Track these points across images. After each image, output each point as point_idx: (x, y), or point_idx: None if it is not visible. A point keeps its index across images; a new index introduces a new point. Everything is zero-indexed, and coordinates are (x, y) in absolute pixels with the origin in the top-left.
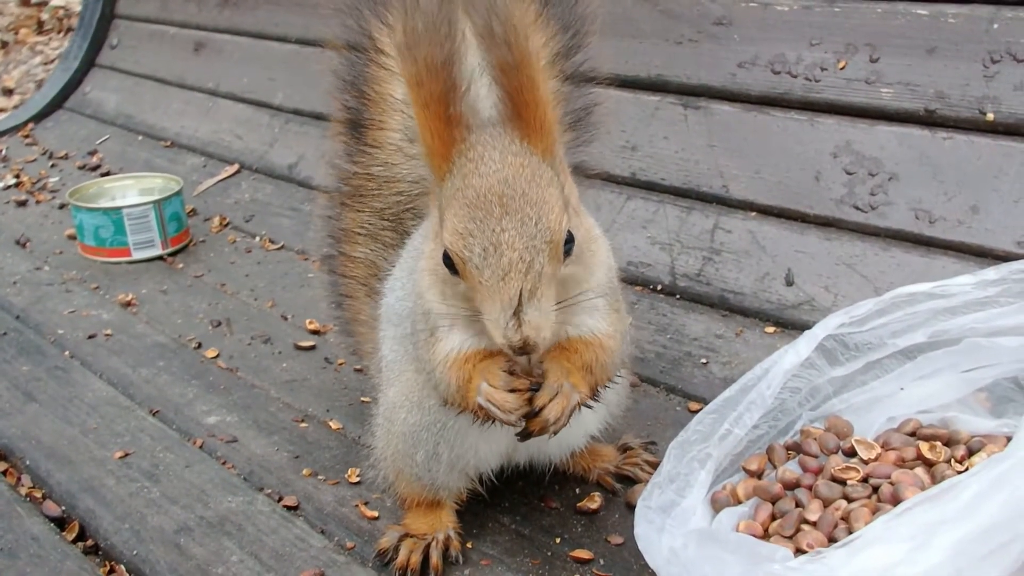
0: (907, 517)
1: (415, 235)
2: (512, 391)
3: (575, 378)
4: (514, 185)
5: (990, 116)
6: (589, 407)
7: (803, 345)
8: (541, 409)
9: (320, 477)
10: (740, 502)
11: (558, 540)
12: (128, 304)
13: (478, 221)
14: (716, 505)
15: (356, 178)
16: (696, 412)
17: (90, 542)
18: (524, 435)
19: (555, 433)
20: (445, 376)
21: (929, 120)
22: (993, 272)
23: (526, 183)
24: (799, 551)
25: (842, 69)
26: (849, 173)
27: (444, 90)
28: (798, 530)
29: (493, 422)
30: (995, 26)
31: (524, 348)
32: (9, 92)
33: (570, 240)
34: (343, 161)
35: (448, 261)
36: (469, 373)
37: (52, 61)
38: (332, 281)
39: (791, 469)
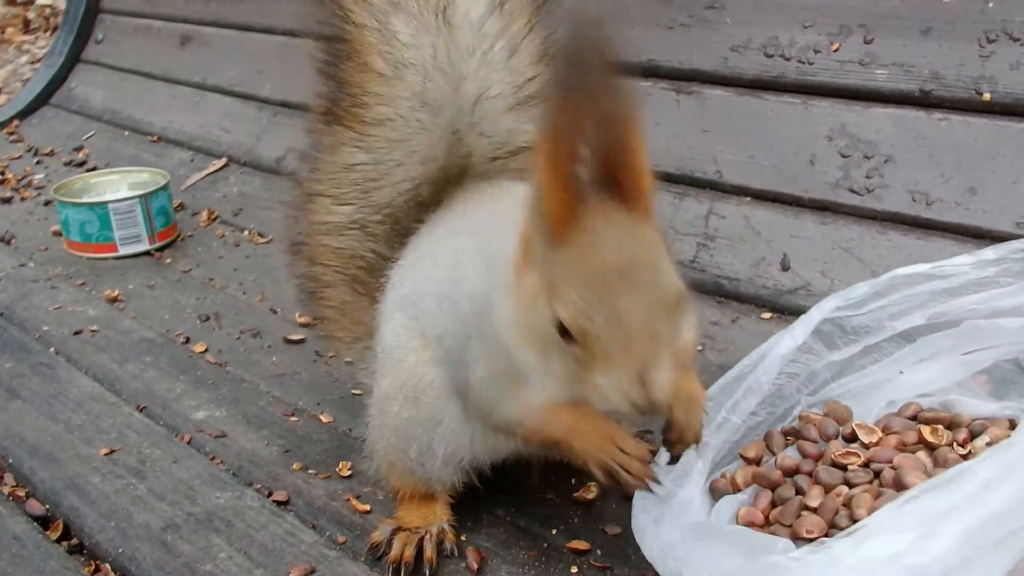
0: (913, 505)
1: (437, 226)
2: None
3: (688, 379)
4: (632, 256)
5: (986, 96)
6: None
7: (799, 330)
8: (676, 423)
9: (311, 471)
10: (739, 490)
11: (554, 531)
12: (115, 300)
13: (600, 294)
14: (715, 494)
15: (354, 170)
16: None
17: (75, 541)
18: (674, 459)
19: (697, 442)
20: (532, 419)
21: (925, 101)
22: (992, 252)
23: (641, 250)
24: (799, 538)
25: (836, 51)
26: (844, 156)
27: (575, 151)
28: (799, 517)
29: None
30: (990, 5)
31: (652, 410)
32: None
33: (683, 298)
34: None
35: (562, 329)
36: (574, 424)
37: (39, 60)
38: (306, 268)
39: (790, 455)
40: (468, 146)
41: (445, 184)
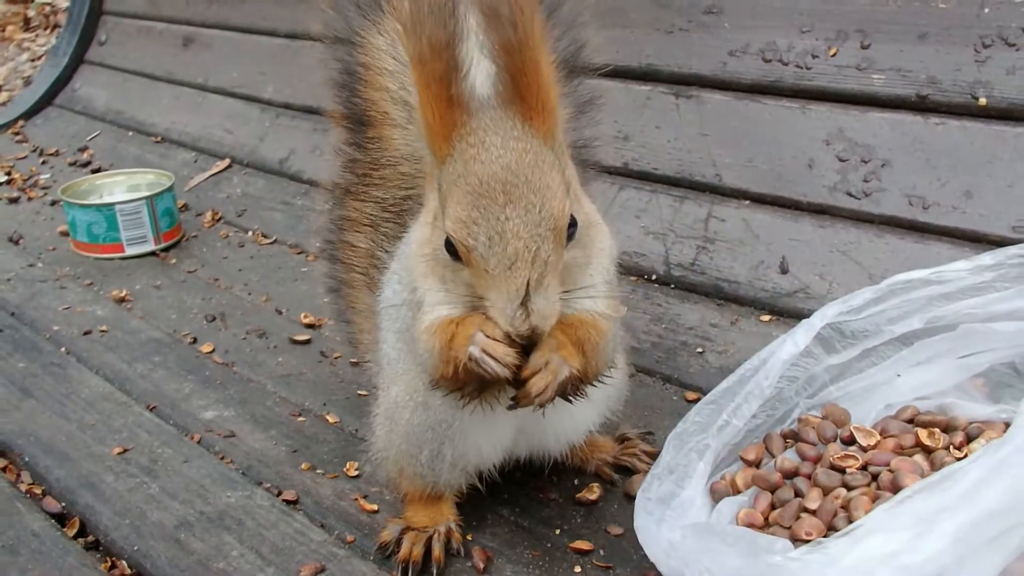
0: (908, 505)
1: (413, 228)
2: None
3: (566, 351)
4: (517, 171)
5: (982, 101)
6: (581, 391)
7: (801, 335)
8: (526, 381)
9: (319, 471)
10: (739, 492)
11: (558, 531)
12: (122, 300)
13: (482, 209)
14: (715, 495)
15: (360, 165)
16: (693, 401)
17: (91, 538)
18: (513, 404)
19: (541, 407)
20: (428, 343)
21: (921, 106)
22: (989, 257)
23: (528, 169)
24: (798, 540)
25: (833, 56)
26: (842, 160)
27: (447, 70)
28: (798, 519)
29: (481, 394)
30: (986, 10)
31: (531, 336)
32: None
33: (573, 224)
34: (347, 148)
35: (450, 247)
36: (453, 331)
37: (39, 58)
38: (332, 268)
39: (789, 458)
40: None
41: None
